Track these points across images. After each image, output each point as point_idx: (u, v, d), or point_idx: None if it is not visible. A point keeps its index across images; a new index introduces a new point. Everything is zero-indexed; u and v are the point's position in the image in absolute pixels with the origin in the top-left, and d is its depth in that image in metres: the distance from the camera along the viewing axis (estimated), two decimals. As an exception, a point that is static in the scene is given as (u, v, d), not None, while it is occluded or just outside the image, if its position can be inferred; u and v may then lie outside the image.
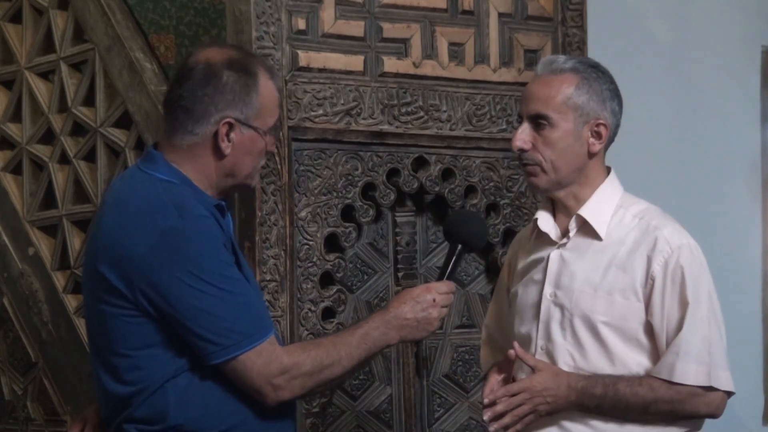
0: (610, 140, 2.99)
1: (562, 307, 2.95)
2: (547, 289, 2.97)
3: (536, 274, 3.01)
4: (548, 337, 2.96)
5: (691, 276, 2.87)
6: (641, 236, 2.92)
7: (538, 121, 2.93)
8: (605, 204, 2.96)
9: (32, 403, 4.29)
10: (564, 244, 2.98)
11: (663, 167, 4.81)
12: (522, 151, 2.94)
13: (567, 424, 2.92)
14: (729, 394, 2.90)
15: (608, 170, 3.02)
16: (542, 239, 3.03)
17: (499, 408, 2.90)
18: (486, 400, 2.93)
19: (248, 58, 2.86)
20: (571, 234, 2.97)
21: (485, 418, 2.93)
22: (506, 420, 2.90)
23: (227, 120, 2.78)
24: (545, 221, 3.01)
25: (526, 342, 2.99)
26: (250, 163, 2.85)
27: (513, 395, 2.90)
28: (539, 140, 2.93)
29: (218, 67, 2.79)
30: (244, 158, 2.83)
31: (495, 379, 3.01)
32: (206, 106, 2.78)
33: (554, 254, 2.98)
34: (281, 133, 3.60)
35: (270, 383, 2.73)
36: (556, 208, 3.02)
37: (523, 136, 2.94)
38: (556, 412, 2.90)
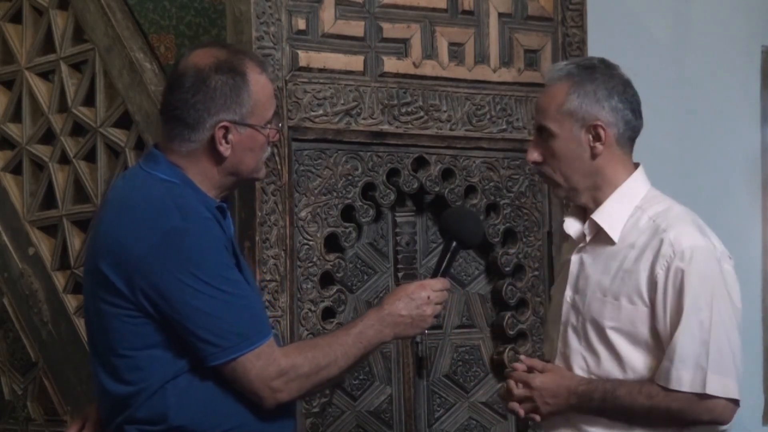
0: (629, 138, 2.93)
1: (577, 311, 2.93)
2: (568, 293, 2.97)
3: (563, 277, 3.02)
4: (565, 341, 2.95)
5: (691, 279, 2.81)
6: (649, 239, 2.87)
7: (543, 133, 2.93)
8: (622, 206, 2.92)
9: (32, 403, 4.28)
10: (583, 248, 2.97)
11: (663, 167, 4.79)
12: (536, 164, 2.95)
13: None
14: (735, 401, 2.83)
15: (635, 167, 2.96)
16: (571, 241, 3.03)
17: (510, 390, 2.95)
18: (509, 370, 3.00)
19: (236, 58, 2.82)
20: (588, 238, 2.96)
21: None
22: (521, 412, 2.92)
23: (222, 124, 2.78)
24: (571, 223, 3.00)
25: (554, 345, 3.00)
26: (252, 159, 2.84)
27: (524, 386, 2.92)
28: (547, 152, 2.92)
29: (206, 72, 2.78)
30: (246, 156, 2.83)
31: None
32: (199, 113, 2.78)
33: (575, 257, 2.97)
34: (281, 134, 3.60)
35: (268, 386, 2.73)
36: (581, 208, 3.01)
37: (532, 148, 2.95)
38: (559, 413, 2.89)
